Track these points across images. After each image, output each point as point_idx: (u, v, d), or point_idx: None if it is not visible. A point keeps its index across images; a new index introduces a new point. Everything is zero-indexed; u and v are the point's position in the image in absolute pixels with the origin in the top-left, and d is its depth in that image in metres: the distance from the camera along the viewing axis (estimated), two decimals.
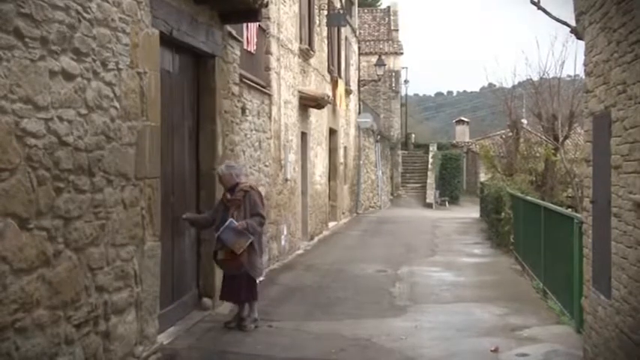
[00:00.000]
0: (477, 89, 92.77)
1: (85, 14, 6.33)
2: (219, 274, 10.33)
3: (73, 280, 6.10)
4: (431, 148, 49.00)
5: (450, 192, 44.69)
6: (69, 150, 6.05)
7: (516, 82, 28.33)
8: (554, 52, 37.96)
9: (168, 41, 8.52)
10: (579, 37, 8.37)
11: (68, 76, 6.06)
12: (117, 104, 6.99)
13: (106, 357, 6.74)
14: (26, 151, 5.43)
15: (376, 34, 47.84)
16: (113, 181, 6.90)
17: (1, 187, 5.13)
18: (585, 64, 7.76)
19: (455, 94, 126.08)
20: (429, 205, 40.75)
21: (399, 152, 49.01)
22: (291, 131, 16.62)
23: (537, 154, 25.38)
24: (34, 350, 5.51)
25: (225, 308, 10.25)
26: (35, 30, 5.53)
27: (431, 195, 42.49)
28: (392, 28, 48.21)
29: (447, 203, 42.73)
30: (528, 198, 15.20)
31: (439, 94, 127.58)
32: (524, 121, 28.62)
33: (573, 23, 8.60)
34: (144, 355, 7.50)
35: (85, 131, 6.34)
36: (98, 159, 6.58)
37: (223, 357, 7.85)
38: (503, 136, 30.24)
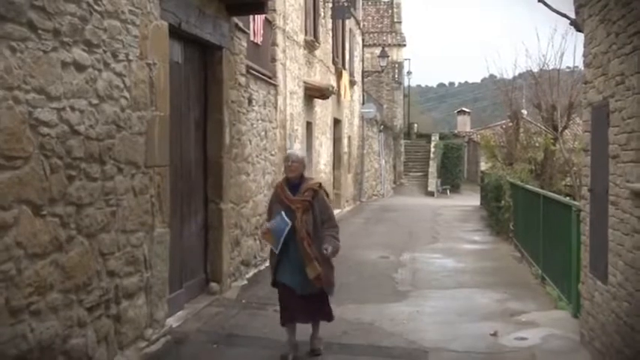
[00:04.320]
0: (479, 80, 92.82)
1: (96, 6, 6.36)
2: (226, 259, 10.39)
3: (85, 264, 6.15)
4: (433, 138, 49.07)
5: (451, 180, 44.73)
6: (80, 139, 6.09)
7: (517, 74, 28.35)
8: (554, 44, 37.98)
9: (176, 33, 8.54)
10: (579, 30, 8.36)
11: (80, 67, 6.10)
12: (127, 94, 7.02)
13: (117, 339, 6.80)
14: (39, 140, 5.47)
15: (379, 26, 47.77)
16: (123, 169, 6.94)
17: (16, 175, 5.17)
18: (584, 56, 7.75)
19: (457, 85, 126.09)
20: (431, 194, 40.77)
21: (402, 142, 49.08)
22: (296, 121, 16.64)
23: (537, 144, 25.41)
24: (48, 332, 5.57)
25: (233, 293, 10.29)
26: (48, 22, 5.56)
27: (433, 183, 42.52)
28: (395, 20, 48.17)
29: (448, 191, 42.74)
30: (528, 186, 15.19)
31: (441, 85, 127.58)
32: (524, 111, 28.60)
33: (573, 16, 8.58)
34: (153, 337, 7.56)
35: (96, 120, 6.37)
36: (109, 147, 6.62)
37: (231, 340, 7.89)
38: (504, 127, 30.28)
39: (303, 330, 7.51)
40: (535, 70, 25.08)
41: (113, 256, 6.71)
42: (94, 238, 6.34)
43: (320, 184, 7.50)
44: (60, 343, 5.75)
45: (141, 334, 7.33)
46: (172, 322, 8.28)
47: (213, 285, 10.07)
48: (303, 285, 7.12)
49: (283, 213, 7.09)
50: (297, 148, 16.53)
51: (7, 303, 5.05)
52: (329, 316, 7.61)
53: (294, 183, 7.27)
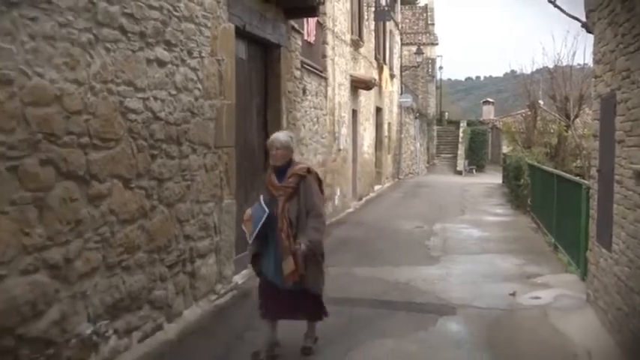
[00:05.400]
0: (501, 75, 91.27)
1: (174, 12, 6.47)
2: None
3: (165, 229, 6.30)
4: (461, 125, 48.49)
5: (477, 161, 44.24)
6: (161, 124, 6.22)
7: (534, 69, 28.00)
8: (567, 44, 37.31)
9: (241, 34, 8.61)
10: (589, 31, 8.23)
11: (161, 63, 6.21)
12: (200, 86, 7.13)
13: (192, 292, 6.96)
14: (128, 125, 5.61)
15: (415, 27, 47.23)
16: (197, 149, 7.06)
17: (109, 154, 5.31)
18: (594, 54, 7.66)
19: (482, 78, 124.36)
20: (459, 173, 40.42)
21: (434, 127, 48.71)
22: (343, 109, 16.64)
23: (552, 130, 25.13)
24: (137, 285, 5.74)
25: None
26: (135, 26, 5.69)
27: (461, 164, 42.14)
28: (429, 22, 47.64)
29: (474, 171, 42.29)
30: (543, 167, 15.01)
31: (469, 79, 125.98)
32: (541, 102, 28.16)
33: (584, 19, 8.45)
34: (222, 291, 7.71)
35: (174, 108, 6.50)
36: (185, 131, 6.74)
37: None
38: (523, 115, 29.88)
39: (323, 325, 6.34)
40: (550, 66, 24.77)
41: (188, 222, 6.86)
42: (173, 208, 6.49)
43: (309, 168, 5.88)
44: (146, 294, 5.92)
45: (212, 288, 7.48)
46: (238, 279, 8.41)
47: None
48: (282, 280, 5.73)
49: (262, 199, 5.79)
50: (344, 133, 16.54)
51: (104, 260, 5.22)
52: (315, 316, 6.05)
53: (282, 168, 5.80)
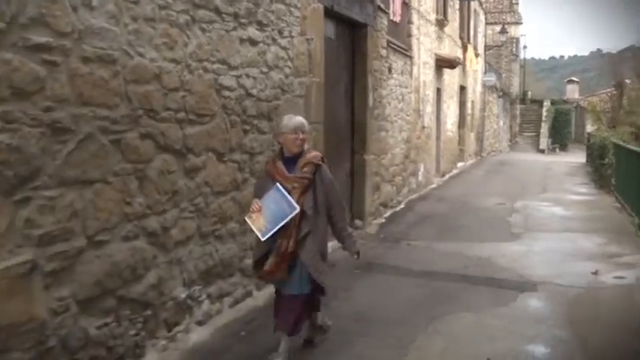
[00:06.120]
0: (587, 53, 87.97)
1: None
2: (368, 201, 10.45)
3: None
4: (545, 103, 46.98)
5: (560, 140, 42.81)
6: (253, 100, 6.25)
7: (621, 47, 26.73)
8: None
9: (329, 14, 8.55)
10: None
11: (253, 43, 6.24)
12: (290, 64, 7.13)
13: None
14: (222, 101, 5.67)
15: (500, 6, 45.92)
16: None
17: (205, 129, 5.39)
18: None
19: (566, 57, 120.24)
20: (542, 151, 39.25)
21: (518, 106, 47.45)
22: (428, 87, 16.37)
23: (638, 110, 24.03)
24: (228, 253, 5.83)
25: (373, 229, 10.38)
26: (229, 7, 5.72)
27: (544, 142, 40.91)
28: (513, 2, 46.33)
29: (557, 150, 41.00)
30: (629, 146, 14.36)
31: (552, 58, 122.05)
32: (628, 81, 26.97)
33: None
34: None
35: (265, 85, 6.52)
36: (275, 107, 6.76)
37: (371, 267, 7.96)
38: (609, 94, 28.72)
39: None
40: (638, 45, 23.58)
41: None
42: None
43: (322, 157, 4.84)
44: (237, 262, 6.01)
45: None
46: None
47: (357, 221, 10.18)
48: (288, 282, 4.70)
49: (284, 191, 4.54)
50: (429, 110, 16.28)
51: (199, 229, 5.33)
52: (316, 306, 5.08)
53: (290, 156, 4.72)
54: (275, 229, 4.49)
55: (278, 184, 4.57)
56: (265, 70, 6.51)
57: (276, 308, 4.89)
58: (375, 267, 8.00)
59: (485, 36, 32.56)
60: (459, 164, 23.22)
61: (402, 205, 13.02)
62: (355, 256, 4.95)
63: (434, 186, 17.11)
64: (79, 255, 3.96)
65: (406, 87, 13.62)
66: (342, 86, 9.67)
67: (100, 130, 4.11)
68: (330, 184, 4.77)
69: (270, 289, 6.49)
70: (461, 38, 23.12)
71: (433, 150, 17.59)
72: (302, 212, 4.55)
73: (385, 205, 11.83)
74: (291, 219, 4.50)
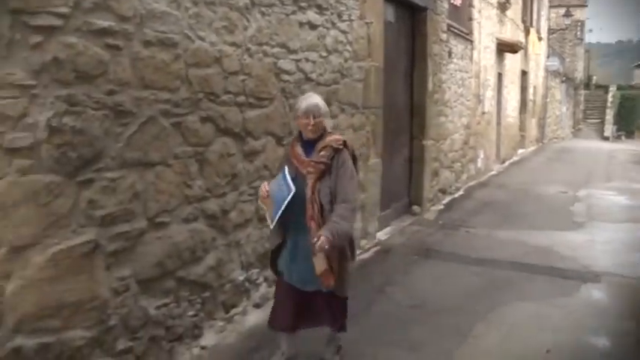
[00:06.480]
0: None
1: None
2: (426, 187, 10.34)
3: None
4: (610, 89, 45.59)
5: (626, 127, 41.54)
6: (312, 84, 6.22)
7: None
8: None
9: None
10: None
11: (312, 26, 6.20)
12: (349, 48, 7.08)
13: None
14: (281, 85, 5.66)
15: None
16: (345, 109, 7.04)
17: (264, 112, 5.40)
18: None
19: (634, 41, 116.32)
20: (606, 138, 38.19)
21: (581, 92, 46.15)
22: (488, 72, 16.06)
23: None
24: None
25: (431, 215, 10.27)
26: None
27: (608, 129, 39.78)
28: None
29: (622, 137, 39.81)
30: None
31: (619, 42, 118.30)
32: None
33: None
34: (367, 247, 7.73)
35: (324, 70, 6.48)
36: (334, 92, 6.72)
37: (428, 253, 7.89)
38: None
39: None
40: None
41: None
42: None
43: (345, 141, 4.18)
44: None
45: (357, 244, 7.50)
46: (381, 235, 8.41)
47: (415, 207, 10.08)
48: (304, 278, 4.16)
49: (287, 172, 4.08)
50: (489, 96, 15.99)
51: (257, 212, 5.35)
52: (339, 323, 4.45)
53: (312, 141, 4.16)
54: (278, 215, 4.02)
55: (286, 167, 4.14)
56: (324, 54, 6.47)
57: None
58: (433, 253, 7.91)
59: (548, 19, 31.71)
60: (520, 151, 22.77)
61: (460, 192, 12.84)
62: (322, 240, 3.82)
63: (493, 173, 16.81)
64: (140, 236, 4.03)
65: (466, 72, 13.38)
66: (402, 70, 9.56)
67: (161, 113, 4.16)
68: (342, 170, 4.06)
69: None
70: (523, 22, 22.57)
71: (493, 136, 17.28)
72: (320, 205, 4.01)
73: (444, 192, 11.69)
74: (299, 204, 3.97)
